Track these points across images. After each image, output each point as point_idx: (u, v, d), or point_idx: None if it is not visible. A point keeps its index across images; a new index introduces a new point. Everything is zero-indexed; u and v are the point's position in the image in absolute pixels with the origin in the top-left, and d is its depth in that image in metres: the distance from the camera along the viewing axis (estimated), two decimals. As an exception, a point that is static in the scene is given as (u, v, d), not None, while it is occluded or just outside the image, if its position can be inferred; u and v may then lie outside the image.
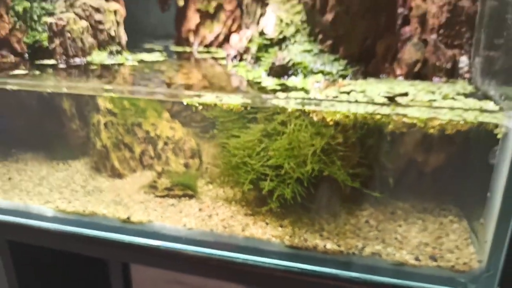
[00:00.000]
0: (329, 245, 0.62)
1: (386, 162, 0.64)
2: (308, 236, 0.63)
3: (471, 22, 0.76)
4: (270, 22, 0.85)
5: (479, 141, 0.60)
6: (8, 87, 0.75)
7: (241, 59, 0.96)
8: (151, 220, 0.69)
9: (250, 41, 0.94)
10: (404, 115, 0.55)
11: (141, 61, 1.01)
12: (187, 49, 1.19)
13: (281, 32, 0.84)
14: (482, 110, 0.53)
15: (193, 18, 1.17)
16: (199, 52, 1.18)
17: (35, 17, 1.03)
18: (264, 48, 0.86)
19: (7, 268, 0.91)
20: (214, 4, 1.17)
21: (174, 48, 1.22)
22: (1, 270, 0.93)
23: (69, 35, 0.94)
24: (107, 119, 0.82)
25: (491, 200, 0.55)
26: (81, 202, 0.75)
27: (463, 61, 0.77)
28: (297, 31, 0.84)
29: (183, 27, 1.19)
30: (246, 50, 0.95)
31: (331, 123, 0.58)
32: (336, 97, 0.63)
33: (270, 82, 0.74)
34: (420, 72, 0.77)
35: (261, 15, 0.98)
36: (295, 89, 0.70)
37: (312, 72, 0.76)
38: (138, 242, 0.67)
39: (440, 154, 0.64)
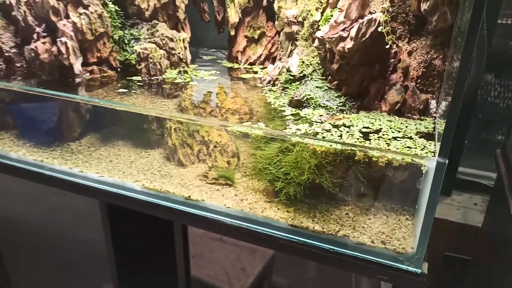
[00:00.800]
0: (317, 227, 0.95)
1: (359, 176, 0.94)
2: (303, 220, 0.96)
3: (440, 75, 1.02)
4: (295, 62, 1.16)
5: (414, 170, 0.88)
6: (117, 107, 1.12)
7: (273, 84, 1.28)
8: (204, 199, 1.05)
9: (280, 72, 1.26)
10: (365, 152, 0.85)
11: (201, 79, 1.36)
12: (235, 65, 1.52)
13: (302, 72, 1.15)
14: (407, 154, 0.82)
15: (242, 43, 1.49)
16: (245, 68, 1.51)
17: (126, 41, 1.40)
18: (289, 81, 1.17)
19: (104, 222, 1.33)
20: (258, 32, 1.48)
21: (225, 63, 1.55)
22: (99, 223, 1.35)
23: (151, 60, 1.30)
24: (176, 126, 1.18)
25: (418, 209, 0.85)
26: (158, 183, 1.12)
27: (433, 104, 1.05)
28: (314, 70, 1.14)
29: (234, 48, 1.52)
30: (277, 79, 1.27)
31: (319, 150, 0.90)
32: (317, 134, 0.94)
33: (288, 112, 1.06)
34: (400, 110, 1.05)
35: (291, 51, 1.29)
36: (304, 119, 1.02)
37: (320, 106, 1.07)
38: (194, 212, 1.04)
39: (393, 173, 0.93)
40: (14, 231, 1.79)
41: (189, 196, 1.07)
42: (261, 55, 1.50)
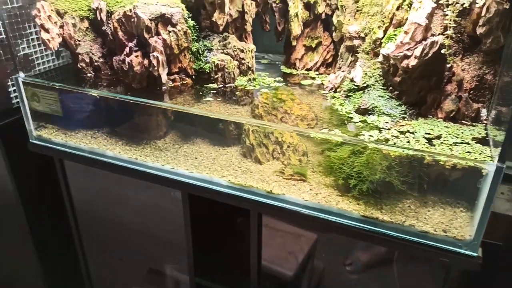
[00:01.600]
0: (385, 218, 1.13)
1: (422, 176, 1.12)
2: (373, 212, 1.15)
3: (491, 88, 1.18)
4: (359, 74, 1.32)
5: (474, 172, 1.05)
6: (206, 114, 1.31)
7: (335, 91, 1.45)
8: (284, 193, 1.24)
9: (342, 80, 1.42)
10: (433, 157, 1.02)
11: (268, 86, 1.53)
12: (293, 71, 1.70)
13: (365, 82, 1.31)
14: (469, 159, 0.99)
15: (300, 51, 1.66)
16: (302, 73, 1.68)
17: (200, 52, 1.57)
18: (353, 90, 1.34)
19: (185, 211, 1.53)
20: (316, 41, 1.64)
21: (284, 69, 1.73)
22: (181, 213, 1.55)
23: (226, 70, 1.48)
24: (253, 128, 1.37)
25: (477, 204, 1.03)
26: (241, 178, 1.31)
27: (484, 112, 1.21)
28: (376, 81, 1.31)
29: (292, 56, 1.69)
30: (339, 86, 1.43)
31: (392, 155, 1.07)
32: (388, 140, 1.11)
33: (357, 119, 1.24)
34: (454, 117, 1.22)
35: (351, 61, 1.45)
36: (372, 125, 1.19)
37: (383, 113, 1.24)
38: (276, 204, 1.23)
39: (452, 174, 1.10)
40: (98, 228, 2.01)
41: (271, 190, 1.26)
42: (317, 62, 1.67)
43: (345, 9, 1.49)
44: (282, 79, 1.60)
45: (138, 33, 1.39)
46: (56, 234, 2.06)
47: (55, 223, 2.03)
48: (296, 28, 1.56)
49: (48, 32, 1.51)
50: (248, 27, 1.59)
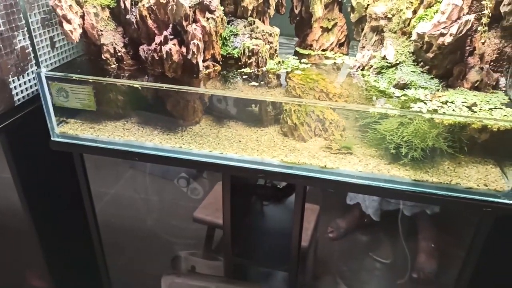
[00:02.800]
0: (434, 179, 1.27)
1: (461, 139, 1.27)
2: (423, 175, 1.29)
3: (510, 59, 1.36)
4: (391, 52, 1.44)
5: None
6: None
7: (362, 69, 1.56)
8: (338, 167, 1.34)
9: (370, 59, 1.53)
10: (482, 122, 1.17)
11: (296, 68, 1.60)
12: (311, 52, 1.77)
13: (397, 60, 1.43)
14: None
15: (317, 32, 1.74)
16: (318, 54, 1.77)
17: (227, 37, 1.59)
18: (385, 67, 1.46)
19: (225, 192, 1.58)
20: (332, 23, 1.73)
21: (301, 50, 1.80)
22: (219, 194, 1.59)
23: (260, 54, 1.52)
24: (295, 108, 1.44)
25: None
26: (292, 157, 1.39)
27: (502, 80, 1.39)
28: (406, 58, 1.44)
29: (309, 37, 1.76)
30: (367, 64, 1.54)
31: (445, 122, 1.21)
32: (436, 110, 1.25)
33: (398, 94, 1.36)
34: (478, 86, 1.38)
35: (375, 41, 1.56)
36: (414, 99, 1.32)
37: (420, 87, 1.37)
38: (333, 178, 1.32)
39: (492, 136, 1.26)
40: (118, 232, 1.97)
41: (325, 165, 1.35)
42: (333, 42, 1.76)
43: (365, -10, 1.58)
44: (305, 60, 1.68)
45: (176, 21, 1.38)
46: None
47: (71, 229, 1.97)
48: (319, 11, 1.63)
49: (70, 23, 1.43)
50: (271, 11, 1.64)
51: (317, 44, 1.76)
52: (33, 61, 1.64)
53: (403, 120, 1.29)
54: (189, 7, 1.35)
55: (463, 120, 1.21)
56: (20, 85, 1.58)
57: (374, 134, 1.35)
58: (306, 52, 1.78)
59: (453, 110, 1.25)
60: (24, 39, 1.58)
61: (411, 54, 1.43)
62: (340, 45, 1.80)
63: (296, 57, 1.71)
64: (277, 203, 2.06)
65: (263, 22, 1.70)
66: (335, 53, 1.77)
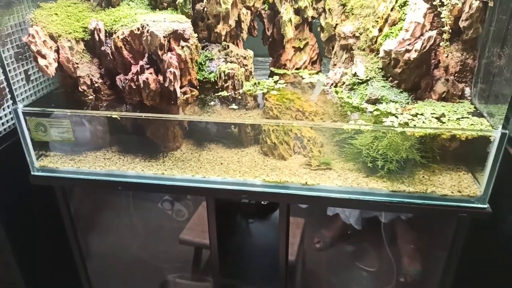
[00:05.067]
0: (410, 189, 1.33)
1: (433, 149, 1.33)
2: (400, 185, 1.34)
3: (472, 70, 1.44)
4: (361, 69, 1.50)
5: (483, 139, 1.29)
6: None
7: (335, 86, 1.61)
8: (318, 183, 1.38)
9: (341, 76, 1.59)
10: (450, 132, 1.23)
11: (272, 88, 1.64)
12: (285, 71, 1.82)
13: (367, 76, 1.49)
14: (486, 131, 1.22)
15: (290, 52, 1.79)
16: (292, 73, 1.82)
17: (203, 62, 1.62)
18: (356, 83, 1.52)
19: (210, 214, 1.59)
20: (304, 42, 1.79)
21: (275, 70, 1.84)
22: (204, 215, 1.61)
23: (236, 77, 1.56)
24: (273, 128, 1.48)
25: (486, 166, 1.27)
26: (273, 176, 1.42)
27: (467, 90, 1.46)
28: (376, 74, 1.50)
29: (282, 57, 1.82)
30: (340, 81, 1.60)
31: (417, 135, 1.27)
32: (407, 123, 1.31)
33: (371, 108, 1.42)
34: (445, 97, 1.45)
35: (346, 58, 1.62)
36: (386, 113, 1.38)
37: (391, 101, 1.43)
38: (314, 194, 1.36)
39: (462, 144, 1.33)
40: (104, 259, 1.96)
41: (306, 182, 1.39)
42: (305, 61, 1.82)
43: (332, 11, 1.65)
44: (281, 80, 1.72)
45: (151, 50, 1.40)
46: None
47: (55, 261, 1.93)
48: (290, 32, 1.68)
49: (45, 58, 1.44)
50: (244, 35, 1.68)
51: (290, 63, 1.82)
52: (9, 96, 1.64)
53: (377, 135, 1.35)
54: (164, 37, 1.38)
55: (433, 132, 1.27)
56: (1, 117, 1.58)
57: (350, 149, 1.40)
58: (281, 71, 1.83)
59: (423, 122, 1.31)
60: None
61: (380, 70, 1.49)
62: (313, 62, 1.86)
63: (271, 78, 1.76)
64: (263, 220, 2.08)
65: (237, 45, 1.74)
66: (309, 70, 1.83)
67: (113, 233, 2.22)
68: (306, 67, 1.83)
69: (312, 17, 1.74)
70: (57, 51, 1.49)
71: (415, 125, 1.29)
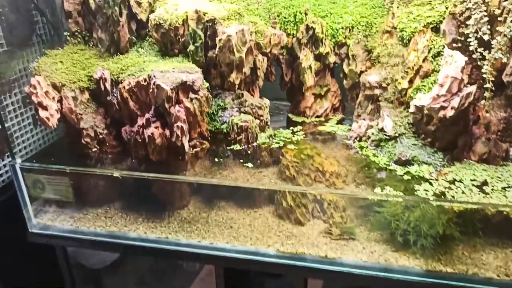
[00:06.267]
0: (448, 269, 1.14)
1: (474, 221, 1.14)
2: (435, 264, 1.15)
3: (517, 128, 1.26)
4: (389, 124, 1.34)
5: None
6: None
7: (359, 140, 1.46)
8: (340, 256, 1.21)
9: (367, 129, 1.44)
10: (497, 209, 1.05)
11: (289, 140, 1.50)
12: (305, 119, 1.69)
13: (395, 132, 1.34)
14: None
15: (310, 99, 1.66)
16: (313, 122, 1.68)
17: (214, 112, 1.51)
18: (384, 140, 1.36)
19: (219, 283, 1.43)
20: (325, 89, 1.65)
21: (294, 118, 1.71)
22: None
23: (250, 130, 1.43)
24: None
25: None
26: (289, 245, 1.26)
27: (512, 151, 1.28)
28: (405, 129, 1.34)
29: (301, 104, 1.68)
30: (364, 135, 1.45)
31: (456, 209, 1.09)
32: (443, 194, 1.13)
33: (400, 171, 1.25)
34: (486, 159, 1.28)
35: (371, 109, 1.47)
36: (418, 177, 1.21)
37: (423, 163, 1.26)
38: (334, 269, 1.19)
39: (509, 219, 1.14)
40: None
41: (326, 255, 1.22)
42: (327, 108, 1.68)
43: (356, 58, 1.51)
44: (299, 130, 1.58)
45: (158, 103, 1.30)
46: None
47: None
48: (310, 79, 1.55)
49: (47, 110, 1.35)
50: (260, 82, 1.56)
51: (310, 110, 1.68)
52: (15, 142, 1.56)
53: (408, 204, 1.18)
54: (171, 89, 1.27)
55: (476, 207, 1.09)
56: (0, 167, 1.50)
57: (377, 217, 1.23)
58: (299, 119, 1.69)
59: (462, 192, 1.13)
60: (5, 121, 1.51)
61: (410, 125, 1.33)
62: (335, 109, 1.72)
63: (289, 127, 1.62)
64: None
65: (253, 91, 1.62)
66: (330, 119, 1.68)
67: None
68: (327, 115, 1.69)
69: (334, 63, 1.60)
70: (60, 101, 1.40)
71: (453, 197, 1.12)
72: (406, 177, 1.23)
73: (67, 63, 1.44)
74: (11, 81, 1.53)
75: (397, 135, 1.34)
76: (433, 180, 1.20)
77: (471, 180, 1.19)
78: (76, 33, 1.56)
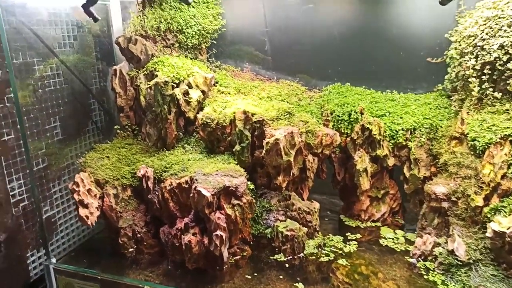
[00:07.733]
0: None
1: None
2: None
3: None
4: (461, 247, 1.14)
5: None
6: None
7: (424, 259, 1.26)
8: None
9: (433, 247, 1.24)
10: None
11: (340, 252, 1.33)
12: (359, 224, 1.51)
13: (469, 257, 1.13)
14: None
15: (365, 202, 1.50)
16: (369, 227, 1.50)
17: (258, 214, 1.39)
18: (454, 265, 1.15)
19: None
20: (382, 191, 1.49)
21: (347, 221, 1.54)
22: None
23: (296, 240, 1.29)
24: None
25: None
26: None
27: None
28: (482, 255, 1.13)
29: (356, 206, 1.52)
30: (430, 253, 1.25)
31: None
32: None
33: (478, 311, 1.03)
34: None
35: (438, 223, 1.28)
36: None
37: (509, 302, 1.03)
38: None
39: None
40: None
41: None
42: (384, 212, 1.50)
43: (419, 162, 1.36)
44: (353, 239, 1.41)
45: (198, 208, 1.21)
46: None
47: None
48: (365, 183, 1.41)
49: (87, 208, 1.32)
50: (310, 183, 1.44)
51: (365, 214, 1.51)
52: (59, 229, 1.53)
53: None
54: (212, 194, 1.18)
55: None
56: (39, 257, 1.45)
57: None
58: (353, 223, 1.52)
59: None
60: (51, 208, 1.50)
61: (488, 251, 1.12)
62: (394, 213, 1.53)
63: (340, 232, 1.45)
64: None
65: (302, 190, 1.49)
66: (388, 225, 1.50)
67: None
68: (385, 219, 1.51)
69: (394, 165, 1.45)
70: (102, 197, 1.37)
71: None
72: (487, 321, 1.01)
73: (113, 158, 1.43)
74: (61, 168, 1.54)
75: (471, 261, 1.13)
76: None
77: None
78: (127, 126, 1.57)
